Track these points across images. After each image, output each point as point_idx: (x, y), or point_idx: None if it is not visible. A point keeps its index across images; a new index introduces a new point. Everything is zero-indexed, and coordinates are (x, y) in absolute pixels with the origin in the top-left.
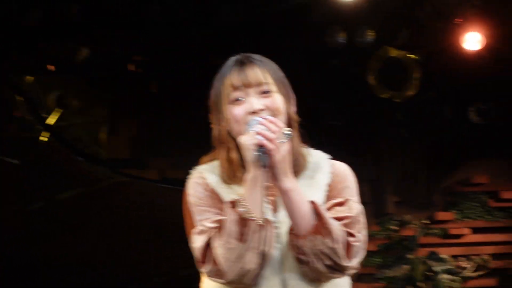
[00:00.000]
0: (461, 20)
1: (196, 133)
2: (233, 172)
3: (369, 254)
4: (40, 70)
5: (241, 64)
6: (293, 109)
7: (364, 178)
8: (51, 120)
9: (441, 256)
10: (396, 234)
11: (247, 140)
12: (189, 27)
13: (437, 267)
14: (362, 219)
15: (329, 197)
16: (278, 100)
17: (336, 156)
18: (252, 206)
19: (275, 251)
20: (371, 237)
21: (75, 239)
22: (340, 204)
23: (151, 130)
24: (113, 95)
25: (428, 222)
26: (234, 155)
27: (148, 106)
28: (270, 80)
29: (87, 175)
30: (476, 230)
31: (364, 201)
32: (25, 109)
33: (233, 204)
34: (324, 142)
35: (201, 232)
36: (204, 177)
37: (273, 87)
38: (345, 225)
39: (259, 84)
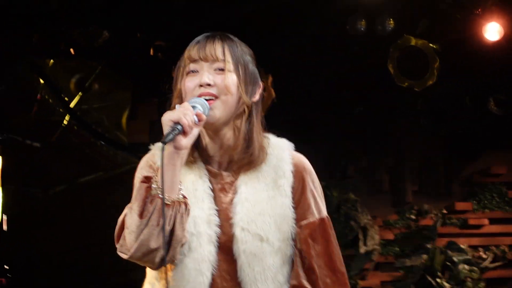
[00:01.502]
0: (481, 10)
1: None
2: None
3: (388, 243)
4: (62, 54)
5: (206, 38)
6: (254, 96)
7: (383, 167)
8: (73, 103)
9: (460, 246)
10: (415, 224)
11: (166, 115)
12: (210, 12)
13: (456, 257)
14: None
15: (295, 201)
16: (230, 80)
17: (356, 145)
18: (165, 184)
19: (204, 245)
20: (389, 226)
21: (95, 223)
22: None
23: None
24: (134, 79)
25: (446, 212)
26: None
27: (167, 90)
28: (229, 59)
29: (108, 159)
30: (494, 221)
31: (383, 190)
32: (47, 92)
33: (146, 179)
34: (342, 131)
35: (127, 207)
36: (154, 154)
37: (230, 66)
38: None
39: (215, 60)
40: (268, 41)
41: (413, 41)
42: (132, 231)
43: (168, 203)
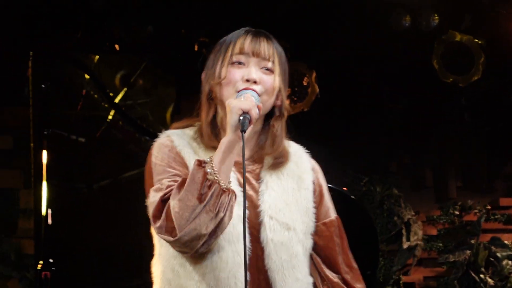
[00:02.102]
0: None
1: None
2: (213, 135)
3: (431, 238)
4: (106, 50)
5: (256, 34)
6: (284, 99)
7: (426, 163)
8: (117, 99)
9: (503, 242)
10: (458, 219)
11: (236, 103)
12: (254, 10)
13: (500, 253)
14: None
15: (315, 198)
16: (276, 81)
17: (400, 141)
18: (219, 170)
19: (236, 226)
20: (433, 221)
21: (138, 217)
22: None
23: None
24: (178, 75)
25: (490, 207)
26: (213, 116)
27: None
28: (277, 62)
29: None
30: None
31: (426, 185)
32: (92, 87)
33: (201, 163)
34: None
35: (158, 189)
36: (171, 140)
37: (277, 70)
38: None
39: (266, 58)
40: (312, 37)
41: (458, 37)
42: (184, 213)
43: (225, 190)
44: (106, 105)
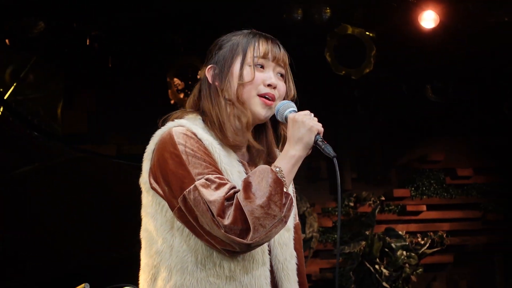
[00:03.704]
0: None
1: (153, 109)
2: (238, 133)
3: (326, 230)
4: None
5: (272, 39)
6: None
7: (321, 155)
8: (7, 94)
9: (398, 232)
10: (353, 211)
11: (311, 122)
12: (147, 4)
13: (394, 244)
14: None
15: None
16: (288, 89)
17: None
18: (288, 182)
19: None
20: (328, 213)
21: (31, 214)
22: None
23: (107, 105)
24: (69, 70)
25: (385, 199)
26: (244, 117)
27: (104, 81)
28: (288, 68)
29: (43, 150)
30: (432, 207)
31: (321, 177)
32: None
33: (273, 172)
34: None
35: (207, 186)
36: (193, 132)
37: (288, 76)
38: None
39: (283, 65)
40: (205, 31)
41: (349, 30)
42: (265, 222)
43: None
44: None
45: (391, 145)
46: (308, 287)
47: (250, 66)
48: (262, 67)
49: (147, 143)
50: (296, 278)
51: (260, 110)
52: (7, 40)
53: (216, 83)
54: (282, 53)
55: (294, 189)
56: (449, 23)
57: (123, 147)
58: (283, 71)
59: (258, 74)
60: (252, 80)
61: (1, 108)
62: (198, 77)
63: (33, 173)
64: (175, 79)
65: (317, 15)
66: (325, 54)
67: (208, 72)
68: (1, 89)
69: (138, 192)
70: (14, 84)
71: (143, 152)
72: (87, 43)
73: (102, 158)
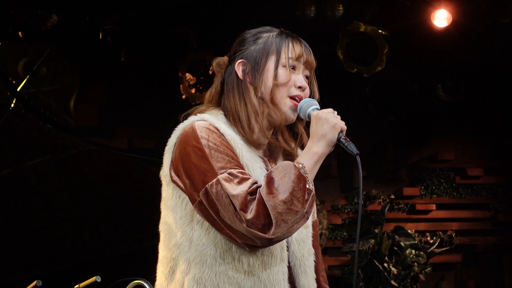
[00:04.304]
0: None
1: (165, 103)
2: (267, 131)
3: (336, 227)
4: (9, 37)
5: (303, 42)
6: None
7: (331, 152)
8: (20, 87)
9: (407, 231)
10: (363, 209)
11: (335, 120)
12: None
13: (403, 242)
14: None
15: None
16: (316, 93)
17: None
18: (310, 178)
19: None
20: (338, 211)
21: (43, 206)
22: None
23: (119, 99)
24: (82, 63)
25: (394, 197)
26: (277, 117)
27: (116, 74)
28: (313, 73)
29: (55, 142)
30: (441, 206)
31: (331, 175)
32: None
33: (299, 169)
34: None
35: (229, 180)
36: (216, 126)
37: (313, 80)
38: None
39: (311, 68)
40: (217, 27)
41: (362, 27)
42: (288, 217)
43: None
44: (9, 93)
45: (401, 144)
46: (327, 283)
47: (284, 66)
48: (293, 68)
49: (158, 137)
50: (313, 275)
51: (290, 112)
52: (20, 33)
53: (248, 80)
54: (312, 56)
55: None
56: (462, 22)
57: (134, 141)
58: (309, 74)
59: (291, 75)
60: (288, 82)
61: (14, 101)
62: (210, 70)
63: (44, 165)
64: (187, 74)
65: (330, 12)
66: (337, 52)
67: (237, 67)
68: (14, 82)
69: (149, 186)
70: (27, 77)
71: (154, 146)
72: (100, 37)
73: (114, 151)
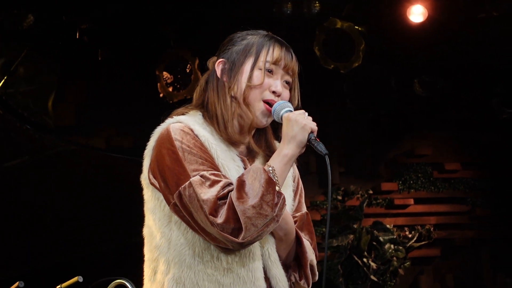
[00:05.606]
0: None
1: (143, 102)
2: (239, 131)
3: (315, 224)
4: None
5: (286, 46)
6: None
7: (310, 148)
8: None
9: (385, 226)
10: (341, 204)
11: (305, 121)
12: None
13: (382, 237)
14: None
15: (294, 194)
16: (293, 97)
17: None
18: (280, 181)
19: None
20: (316, 207)
21: (22, 207)
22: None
23: (96, 98)
24: (60, 62)
25: (372, 192)
26: (247, 119)
27: (94, 73)
28: (296, 77)
29: (34, 143)
30: (419, 201)
31: (310, 171)
32: None
33: (268, 172)
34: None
35: (201, 183)
36: (190, 128)
37: (295, 85)
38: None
39: (292, 74)
40: (195, 24)
41: (339, 24)
42: (257, 221)
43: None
44: None
45: (379, 139)
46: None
47: (260, 69)
48: (271, 72)
49: (136, 135)
50: (280, 265)
51: (261, 117)
52: None
53: (224, 79)
54: (293, 62)
55: (299, 179)
56: (438, 17)
57: (112, 139)
58: (290, 80)
59: (266, 79)
60: (261, 85)
61: None
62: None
63: (23, 166)
64: (164, 73)
65: (307, 9)
66: (314, 48)
67: (217, 66)
68: None
69: (130, 185)
70: (5, 78)
71: (132, 144)
72: (77, 36)
73: (92, 151)
